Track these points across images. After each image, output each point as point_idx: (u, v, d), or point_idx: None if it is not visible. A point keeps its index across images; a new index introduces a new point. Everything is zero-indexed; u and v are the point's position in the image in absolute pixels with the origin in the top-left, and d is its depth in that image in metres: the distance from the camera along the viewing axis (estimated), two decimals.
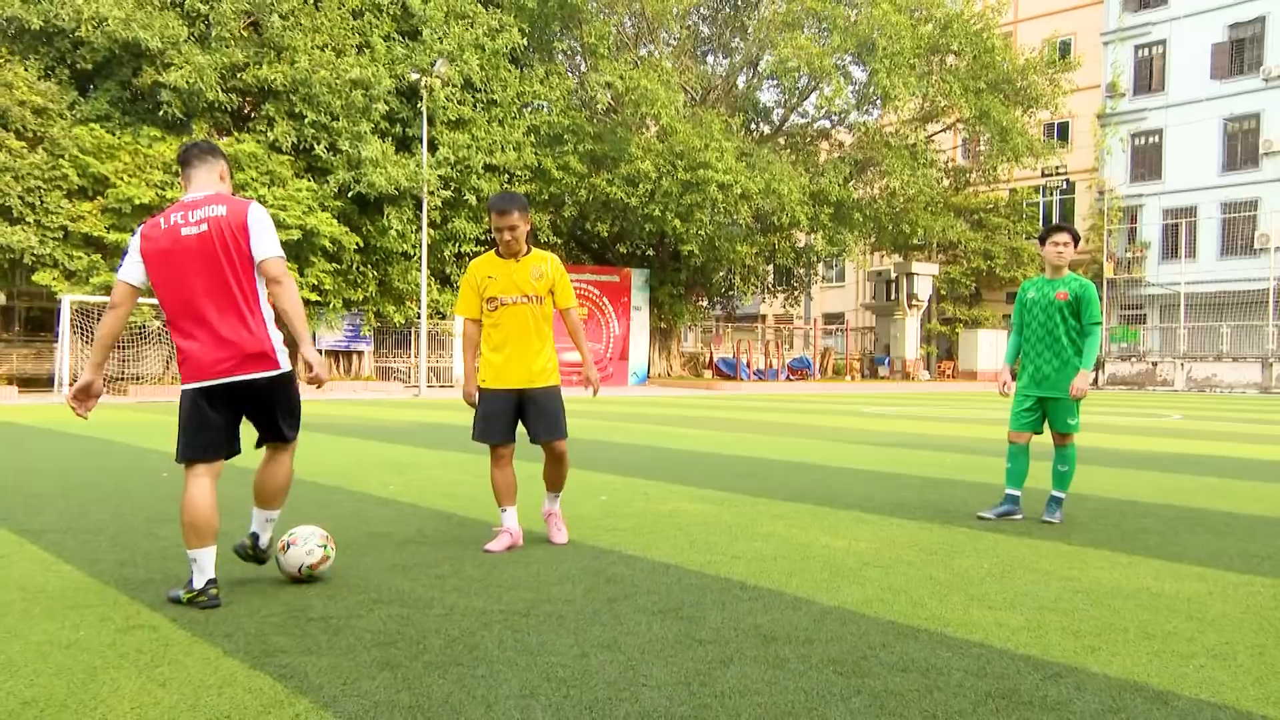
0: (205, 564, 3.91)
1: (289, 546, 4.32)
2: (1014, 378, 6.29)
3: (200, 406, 3.97)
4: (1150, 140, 38.85)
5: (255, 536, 4.30)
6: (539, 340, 5.07)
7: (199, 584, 3.90)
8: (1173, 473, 8.82)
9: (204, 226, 3.91)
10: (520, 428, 5.12)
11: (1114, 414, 18.86)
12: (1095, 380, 37.98)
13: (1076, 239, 6.14)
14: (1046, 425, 6.20)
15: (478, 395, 5.14)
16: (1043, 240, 6.18)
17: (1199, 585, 4.45)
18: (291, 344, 4.07)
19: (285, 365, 4.04)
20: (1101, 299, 38.17)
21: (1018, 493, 6.13)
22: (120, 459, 9.25)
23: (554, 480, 5.29)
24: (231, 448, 4.08)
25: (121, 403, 20.28)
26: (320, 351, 27.21)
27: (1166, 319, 38.07)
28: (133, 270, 3.96)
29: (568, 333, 5.32)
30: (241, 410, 4.06)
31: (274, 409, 4.10)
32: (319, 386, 4.07)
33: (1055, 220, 39.03)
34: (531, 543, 5.25)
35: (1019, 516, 6.11)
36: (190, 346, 3.92)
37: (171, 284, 3.93)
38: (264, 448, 4.27)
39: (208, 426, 3.97)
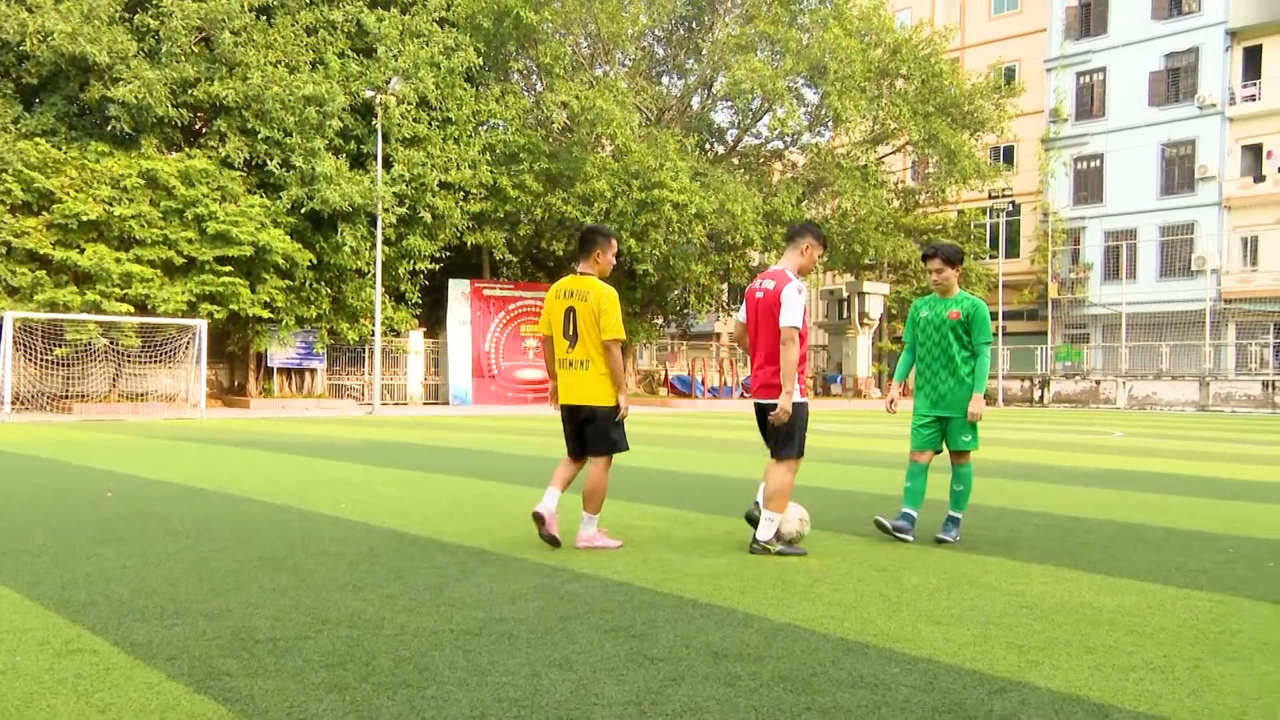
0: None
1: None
2: (903, 395, 6.29)
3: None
4: (1092, 164, 39.85)
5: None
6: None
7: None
8: (1114, 489, 9.02)
9: (760, 294, 5.69)
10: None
11: (1058, 431, 19.23)
12: (1041, 398, 38.72)
13: (950, 259, 6.08)
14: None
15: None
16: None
17: (1139, 599, 4.56)
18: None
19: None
20: (1047, 318, 39.57)
21: (914, 512, 6.09)
22: (63, 478, 9.03)
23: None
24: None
25: (65, 420, 19.77)
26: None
27: (1109, 338, 38.96)
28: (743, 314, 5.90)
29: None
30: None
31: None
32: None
33: (1001, 241, 39.89)
34: (482, 561, 5.23)
35: (909, 539, 5.99)
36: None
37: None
38: None
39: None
